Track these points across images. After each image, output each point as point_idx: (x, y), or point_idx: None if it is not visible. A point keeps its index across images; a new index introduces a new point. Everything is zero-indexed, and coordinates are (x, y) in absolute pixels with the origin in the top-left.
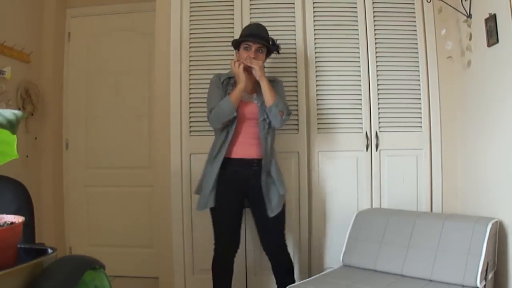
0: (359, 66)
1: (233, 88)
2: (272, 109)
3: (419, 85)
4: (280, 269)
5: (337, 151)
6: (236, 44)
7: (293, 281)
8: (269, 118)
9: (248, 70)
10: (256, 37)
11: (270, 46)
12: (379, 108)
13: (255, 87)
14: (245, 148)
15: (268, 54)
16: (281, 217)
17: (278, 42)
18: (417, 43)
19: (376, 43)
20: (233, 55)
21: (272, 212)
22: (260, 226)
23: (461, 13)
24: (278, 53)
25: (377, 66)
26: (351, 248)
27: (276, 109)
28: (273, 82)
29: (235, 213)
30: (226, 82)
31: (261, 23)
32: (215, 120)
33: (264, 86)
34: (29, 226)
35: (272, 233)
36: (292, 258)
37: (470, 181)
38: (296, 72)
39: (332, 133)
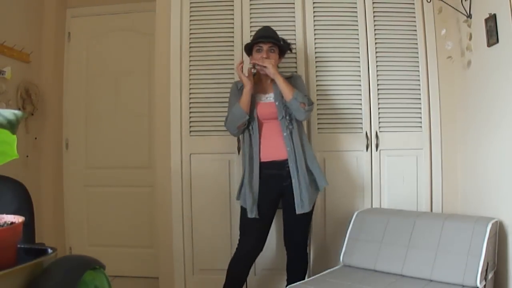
0: (359, 66)
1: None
2: (293, 103)
3: (419, 85)
4: (296, 268)
5: (337, 151)
6: (249, 49)
7: (305, 274)
8: (288, 114)
9: (263, 71)
10: (265, 38)
11: (281, 45)
12: (379, 108)
13: (272, 86)
14: (273, 150)
15: (281, 54)
16: (309, 216)
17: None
18: (417, 43)
19: (376, 43)
20: (233, 54)
21: (300, 209)
22: (287, 223)
23: (461, 13)
24: (291, 51)
25: (377, 66)
26: (351, 248)
27: (296, 102)
28: (291, 78)
29: (269, 216)
30: (243, 88)
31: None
32: (230, 126)
33: (280, 82)
34: (29, 226)
35: (298, 231)
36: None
37: (470, 181)
38: (296, 72)
39: (332, 133)
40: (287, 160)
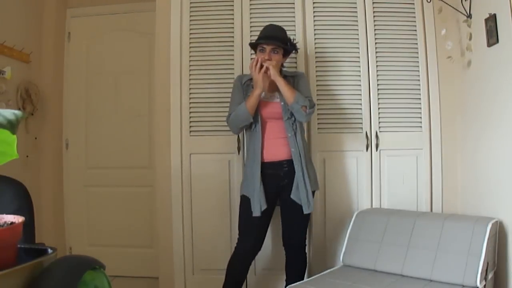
0: (359, 66)
1: (251, 92)
2: (294, 106)
3: (419, 85)
4: (295, 268)
5: (337, 151)
6: (254, 47)
7: (304, 274)
8: (293, 115)
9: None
10: (270, 39)
11: (284, 47)
12: (379, 108)
13: (277, 86)
14: (274, 150)
15: (286, 54)
16: (307, 216)
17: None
18: (417, 43)
19: (376, 43)
20: (233, 54)
21: (308, 209)
22: (285, 223)
23: (461, 13)
24: (297, 52)
25: (377, 66)
26: (351, 248)
27: (297, 106)
28: (294, 77)
29: (267, 216)
30: (247, 84)
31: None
32: (233, 126)
33: (281, 85)
34: (29, 226)
35: (296, 231)
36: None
37: (470, 181)
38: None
39: (332, 133)
40: (285, 160)
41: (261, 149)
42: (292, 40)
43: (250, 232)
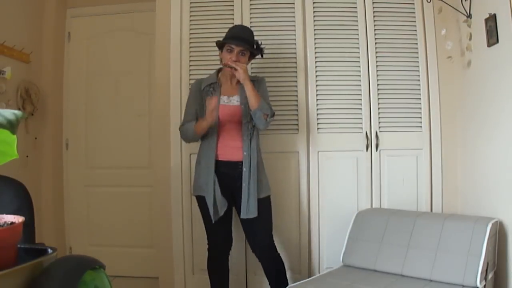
0: (359, 66)
1: (203, 119)
2: (257, 113)
3: (419, 85)
4: (270, 271)
5: (337, 151)
6: (220, 45)
7: (286, 283)
8: (251, 119)
9: (230, 71)
10: (239, 40)
11: (252, 50)
12: (379, 108)
13: (237, 89)
14: (230, 150)
15: (251, 57)
16: (265, 218)
17: (266, 43)
18: (417, 43)
19: (376, 43)
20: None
21: (246, 215)
22: (245, 227)
23: (461, 13)
24: (262, 56)
25: (377, 66)
26: (351, 248)
27: (260, 113)
28: (256, 82)
29: (227, 215)
30: (206, 90)
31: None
32: (183, 137)
33: (249, 89)
34: (29, 226)
35: (257, 234)
36: (283, 259)
37: (470, 181)
38: (296, 72)
39: (332, 133)
40: (239, 162)
41: (216, 149)
42: (259, 44)
43: (215, 233)
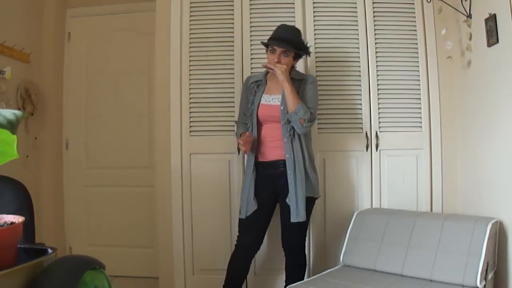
0: (359, 66)
1: (256, 93)
2: (293, 116)
3: (419, 85)
4: (293, 265)
5: (337, 151)
6: (265, 45)
7: (303, 278)
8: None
9: (272, 71)
10: (281, 41)
11: (295, 51)
12: (379, 108)
13: (280, 88)
14: (269, 151)
15: (297, 57)
16: (305, 220)
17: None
18: (417, 43)
19: (376, 43)
20: (233, 54)
21: (295, 218)
22: (284, 224)
23: (461, 13)
24: (309, 56)
25: (377, 66)
26: (351, 248)
27: (296, 117)
28: (302, 81)
29: (265, 214)
30: (251, 87)
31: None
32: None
33: (287, 91)
34: (29, 226)
35: (290, 232)
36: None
37: (470, 181)
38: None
39: (332, 133)
40: (281, 160)
41: (256, 150)
42: (305, 43)
43: (248, 230)
